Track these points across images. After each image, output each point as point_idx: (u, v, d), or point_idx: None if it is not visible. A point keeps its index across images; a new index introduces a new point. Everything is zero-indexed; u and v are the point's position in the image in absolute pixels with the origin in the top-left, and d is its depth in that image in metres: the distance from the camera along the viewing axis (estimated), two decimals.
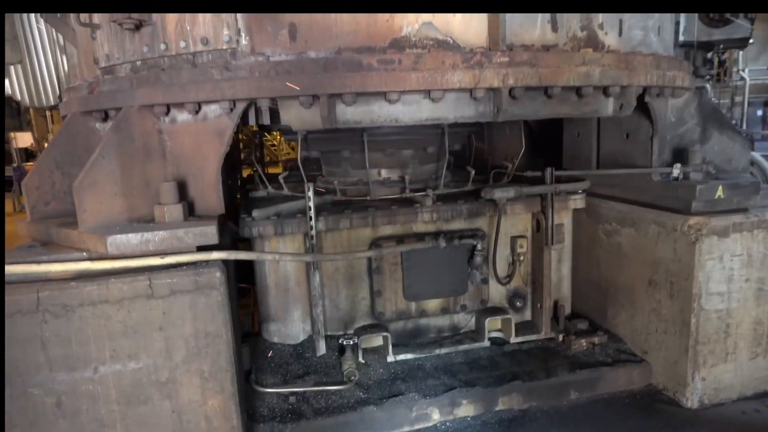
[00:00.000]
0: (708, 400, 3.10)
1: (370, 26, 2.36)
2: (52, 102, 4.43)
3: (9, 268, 2.31)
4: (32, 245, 2.69)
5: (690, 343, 3.03)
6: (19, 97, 4.65)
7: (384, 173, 3.84)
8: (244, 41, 2.50)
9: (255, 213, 3.25)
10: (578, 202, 3.73)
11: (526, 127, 4.50)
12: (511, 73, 2.33)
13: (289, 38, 2.38)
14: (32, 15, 3.91)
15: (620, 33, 2.72)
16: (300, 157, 3.48)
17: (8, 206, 12.49)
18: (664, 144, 3.29)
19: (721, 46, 12.82)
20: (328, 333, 3.43)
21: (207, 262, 2.45)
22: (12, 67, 4.60)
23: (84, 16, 3.06)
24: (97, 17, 2.99)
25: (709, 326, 3.02)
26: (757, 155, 4.99)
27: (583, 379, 3.24)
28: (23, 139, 22.72)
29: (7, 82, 4.68)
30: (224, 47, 2.54)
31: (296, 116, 2.44)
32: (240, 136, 5.54)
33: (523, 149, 3.82)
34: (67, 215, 2.90)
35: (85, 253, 2.48)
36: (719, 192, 2.97)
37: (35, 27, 4.32)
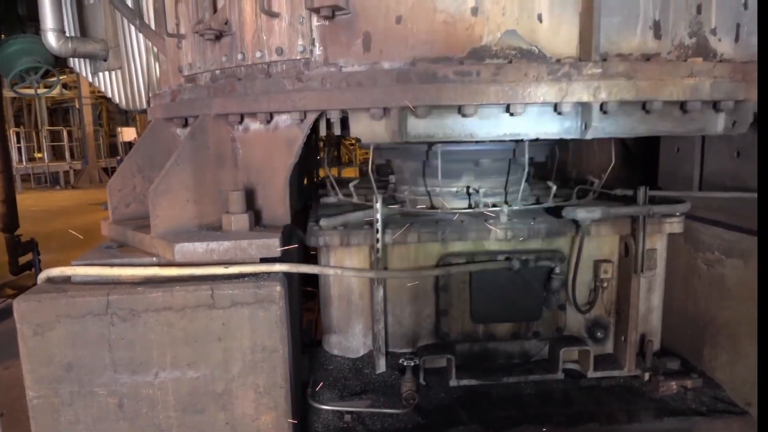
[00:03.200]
0: None
1: (448, 35, 2.21)
2: (144, 106, 4.67)
3: (85, 270, 2.40)
4: (109, 246, 2.80)
5: None
6: (117, 101, 4.95)
7: (457, 185, 3.65)
8: (317, 51, 2.44)
9: (322, 222, 3.19)
10: (675, 226, 3.33)
11: (618, 139, 4.14)
12: (603, 86, 2.07)
13: (362, 48, 2.28)
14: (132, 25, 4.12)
15: (737, 39, 2.36)
16: (372, 165, 3.38)
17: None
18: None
19: None
20: (390, 350, 3.31)
21: (269, 274, 2.41)
22: (113, 73, 4.90)
23: (171, 27, 3.16)
24: (183, 28, 3.07)
25: None
26: None
27: (672, 428, 2.87)
28: (128, 134, 24.84)
29: (108, 85, 5.01)
30: (298, 57, 2.49)
31: (366, 128, 2.34)
32: (318, 136, 5.57)
33: (612, 163, 3.49)
34: (145, 218, 2.99)
35: (154, 258, 2.54)
36: None
37: (134, 35, 4.57)
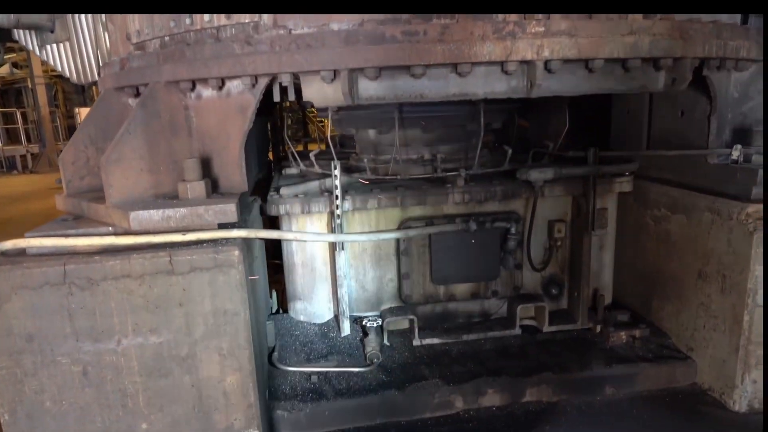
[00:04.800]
0: (759, 404, 2.85)
1: None
2: (96, 78, 4.52)
3: (39, 241, 2.38)
4: (65, 218, 2.76)
5: (741, 342, 2.78)
6: (67, 74, 4.77)
7: (416, 152, 3.71)
8: (266, 14, 2.42)
9: (282, 190, 3.21)
10: (624, 185, 3.47)
11: (573, 105, 4.24)
12: (546, 45, 2.13)
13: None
14: None
15: None
16: (329, 134, 3.40)
17: None
18: (724, 123, 2.98)
19: None
20: (354, 314, 3.39)
21: (227, 240, 2.43)
22: (62, 45, 4.71)
23: None
24: None
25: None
26: None
27: (620, 374, 3.05)
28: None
29: (57, 58, 4.80)
30: (247, 20, 2.47)
31: (318, 92, 2.35)
32: (284, 114, 5.52)
33: (566, 128, 3.59)
34: (100, 190, 2.94)
35: (110, 228, 2.52)
36: None
37: None
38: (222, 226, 2.47)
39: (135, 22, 3.01)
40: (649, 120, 3.46)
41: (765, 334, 2.74)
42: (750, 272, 2.69)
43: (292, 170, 4.00)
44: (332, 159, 3.32)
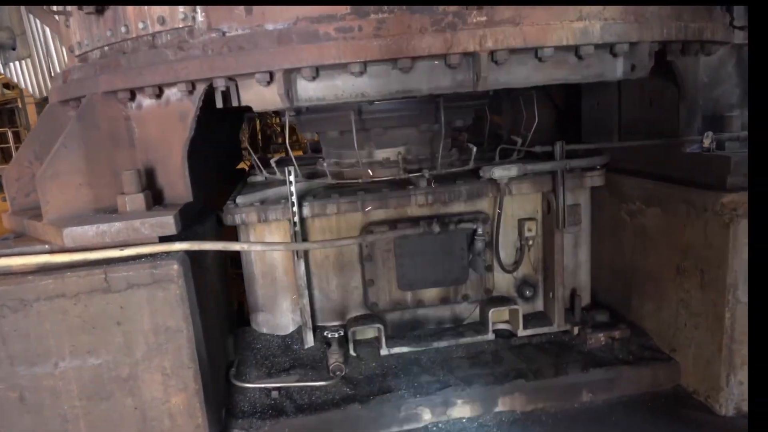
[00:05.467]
0: (746, 407, 2.70)
1: None
2: None
3: None
4: (6, 237, 2.64)
5: (724, 341, 2.64)
6: (30, 90, 4.69)
7: (381, 153, 3.58)
8: (200, 18, 2.30)
9: (239, 199, 3.08)
10: (596, 179, 3.33)
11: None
12: (489, 35, 2.00)
13: (245, 11, 2.15)
14: None
15: None
16: (287, 137, 3.28)
17: None
18: (695, 110, 2.85)
19: None
20: (319, 324, 3.26)
21: (168, 253, 2.30)
22: (24, 62, 4.63)
23: (58, 5, 2.96)
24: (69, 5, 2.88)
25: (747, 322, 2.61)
26: None
27: (599, 378, 2.90)
28: None
29: (20, 75, 4.73)
30: (181, 25, 2.35)
31: (256, 96, 2.23)
32: (247, 120, 5.39)
33: (535, 122, 3.46)
34: None
35: (47, 246, 2.40)
36: None
37: (38, 20, 4.30)
38: (165, 239, 2.35)
39: (76, 33, 2.90)
40: (618, 110, 3.33)
41: (750, 332, 2.59)
42: (728, 266, 2.55)
43: (257, 178, 3.87)
44: (303, 164, 3.21)
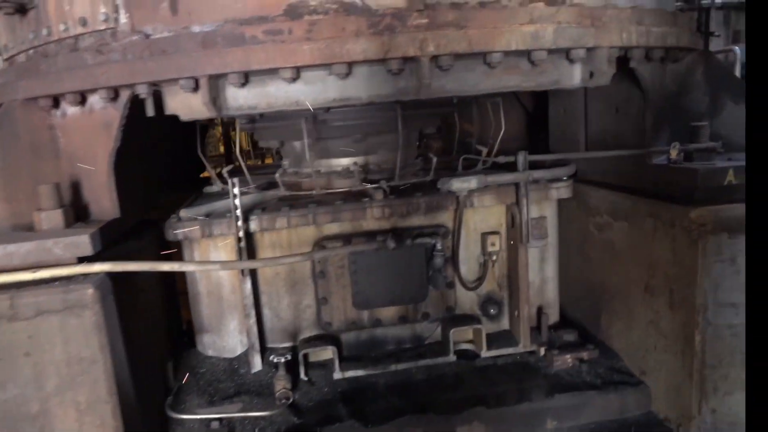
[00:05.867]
0: None
1: None
2: None
3: None
4: None
5: (695, 366, 2.47)
6: None
7: (339, 163, 3.40)
8: (123, 19, 2.10)
9: (182, 212, 2.88)
10: (562, 190, 3.18)
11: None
12: (431, 38, 1.82)
13: (170, 11, 1.96)
14: None
15: None
16: (237, 146, 3.08)
17: None
18: (662, 119, 2.70)
19: None
20: (270, 345, 3.06)
21: (85, 276, 2.09)
22: None
23: None
24: None
25: (720, 345, 2.44)
26: None
27: (564, 404, 2.72)
28: None
29: None
30: (103, 27, 2.15)
31: (183, 103, 2.04)
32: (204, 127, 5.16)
33: (502, 131, 3.31)
34: None
35: None
36: (729, 176, 2.37)
37: None
38: (86, 260, 2.14)
39: (2, 36, 2.69)
40: (585, 119, 3.18)
41: (747, 349, 2.43)
42: (697, 286, 2.39)
43: (213, 188, 3.66)
44: (266, 173, 3.02)
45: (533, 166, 3.10)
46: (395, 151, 3.38)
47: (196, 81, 1.94)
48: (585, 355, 3.01)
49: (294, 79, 1.92)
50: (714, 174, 2.34)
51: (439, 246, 2.96)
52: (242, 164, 3.11)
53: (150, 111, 2.18)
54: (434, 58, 1.88)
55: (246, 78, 1.93)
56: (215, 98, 1.96)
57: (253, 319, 2.84)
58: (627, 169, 2.85)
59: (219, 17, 1.93)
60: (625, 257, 2.89)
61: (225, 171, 3.21)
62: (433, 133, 3.78)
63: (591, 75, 2.14)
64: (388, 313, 3.12)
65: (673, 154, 2.51)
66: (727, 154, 2.61)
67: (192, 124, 3.18)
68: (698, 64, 2.67)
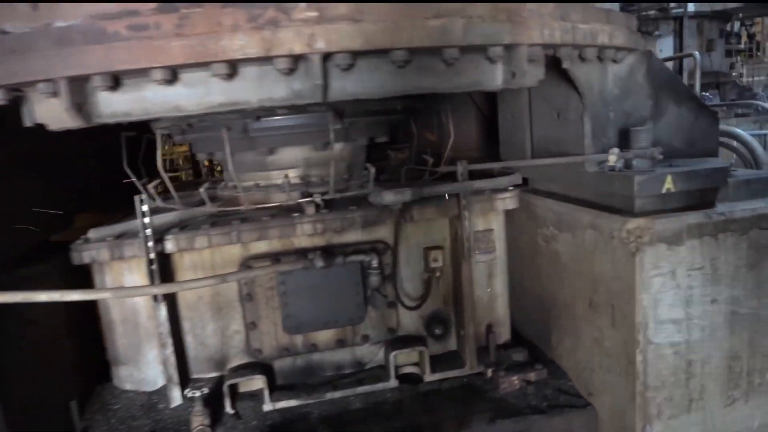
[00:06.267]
0: None
1: None
2: None
3: None
4: None
5: (637, 388, 2.28)
6: None
7: (276, 175, 3.17)
8: None
9: (91, 233, 2.63)
10: (508, 201, 2.99)
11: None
12: (320, 34, 1.63)
13: (30, 5, 1.74)
14: None
15: None
16: (160, 160, 2.85)
17: None
18: (605, 123, 2.54)
19: (740, 15, 11.67)
20: (195, 375, 2.81)
21: None
22: None
23: None
24: None
25: (663, 365, 2.26)
26: (741, 131, 3.99)
27: (506, 431, 2.52)
28: None
29: None
30: None
31: (49, 111, 1.81)
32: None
33: (451, 139, 3.13)
34: None
35: None
36: (668, 184, 2.20)
37: None
38: None
39: None
40: (530, 124, 3.01)
41: None
42: (637, 302, 2.20)
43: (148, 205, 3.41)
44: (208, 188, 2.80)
45: (480, 175, 2.92)
46: (341, 160, 3.20)
47: (56, 84, 1.71)
48: (533, 376, 2.80)
49: (170, 81, 1.71)
50: (651, 182, 2.17)
51: (374, 263, 2.75)
52: (165, 178, 2.88)
53: (26, 121, 1.95)
54: (329, 56, 1.69)
55: (116, 81, 1.72)
56: (81, 104, 1.74)
57: (170, 349, 2.60)
58: (569, 178, 2.68)
59: (84, 12, 1.71)
60: (571, 271, 2.70)
61: (151, 186, 2.98)
62: (399, 142, 3.59)
63: (513, 75, 1.95)
64: (325, 336, 2.89)
65: (612, 160, 2.33)
66: (669, 159, 2.45)
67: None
68: (640, 64, 2.51)
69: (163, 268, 2.59)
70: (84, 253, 2.56)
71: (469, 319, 2.90)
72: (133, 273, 2.68)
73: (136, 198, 2.47)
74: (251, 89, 1.77)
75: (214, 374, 2.83)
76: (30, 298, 1.92)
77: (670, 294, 2.20)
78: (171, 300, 2.65)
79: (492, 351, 2.97)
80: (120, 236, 2.65)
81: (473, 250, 2.98)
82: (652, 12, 10.29)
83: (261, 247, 2.78)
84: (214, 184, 3.46)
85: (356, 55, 1.71)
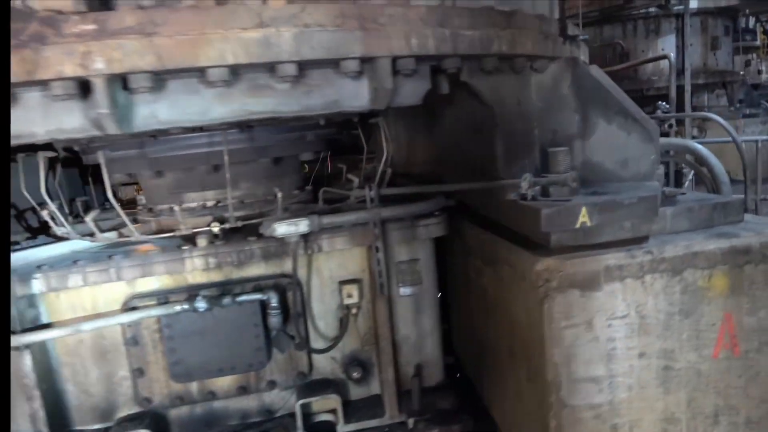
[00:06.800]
0: None
1: None
2: None
3: None
4: None
5: None
6: None
7: (200, 198, 2.91)
8: None
9: None
10: (432, 229, 2.65)
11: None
12: (99, 51, 1.33)
13: None
14: None
15: None
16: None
17: None
18: (525, 142, 2.19)
19: (747, 11, 11.06)
20: (78, 428, 2.53)
21: None
22: None
23: None
24: None
25: (582, 431, 1.90)
26: (699, 146, 3.43)
27: None
28: None
29: None
30: None
31: None
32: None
33: (384, 156, 2.83)
34: None
35: None
36: (583, 217, 1.84)
37: None
38: None
39: None
40: (460, 143, 2.68)
41: None
42: (547, 358, 1.85)
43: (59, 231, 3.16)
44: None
45: (394, 200, 2.60)
46: (263, 182, 2.92)
47: None
48: (456, 428, 2.46)
49: None
50: (561, 215, 1.81)
51: (273, 302, 2.44)
52: (50, 205, 2.61)
53: None
54: (110, 78, 1.38)
55: None
56: None
57: (38, 402, 2.32)
58: (493, 204, 2.33)
59: None
60: (495, 311, 2.36)
61: (46, 213, 2.72)
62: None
63: (377, 93, 1.63)
64: (224, 383, 2.59)
65: (524, 187, 1.98)
66: (597, 184, 2.09)
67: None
68: (564, 75, 2.15)
69: (37, 311, 2.33)
70: None
71: (387, 362, 2.57)
72: None
73: None
74: (36, 119, 1.48)
75: (99, 426, 2.54)
76: None
77: (586, 348, 1.84)
78: (41, 346, 2.38)
79: (416, 397, 2.63)
80: None
81: (396, 282, 2.67)
82: (652, 9, 9.76)
83: (149, 284, 2.49)
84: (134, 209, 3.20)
85: (159, 75, 1.41)
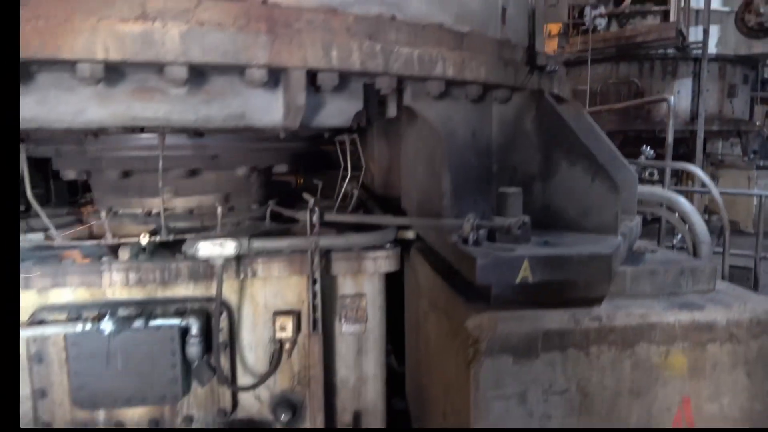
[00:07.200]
0: None
1: None
2: None
3: None
4: None
5: None
6: None
7: (140, 205, 2.74)
8: None
9: None
10: (381, 263, 2.42)
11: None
12: None
13: None
14: None
15: None
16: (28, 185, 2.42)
17: None
18: (480, 178, 1.96)
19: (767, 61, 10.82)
20: None
21: None
22: None
23: None
24: None
25: None
26: (680, 198, 3.09)
27: None
28: None
29: None
30: None
31: None
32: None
33: (348, 175, 2.66)
34: None
35: None
36: (524, 272, 1.60)
37: None
38: None
39: None
40: (416, 171, 2.45)
41: None
42: None
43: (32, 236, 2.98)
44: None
45: (352, 228, 2.39)
46: (214, 193, 2.74)
47: None
48: None
49: None
50: (499, 267, 1.57)
51: (194, 330, 2.21)
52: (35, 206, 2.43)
53: None
54: None
55: None
56: None
57: None
58: (440, 243, 2.09)
59: None
60: (434, 361, 2.10)
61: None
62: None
63: (290, 110, 1.41)
64: (134, 414, 2.35)
65: (466, 229, 1.74)
66: (552, 233, 1.85)
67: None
68: (527, 108, 1.93)
69: None
70: None
71: (318, 407, 2.33)
72: None
73: None
74: None
75: None
76: None
77: (518, 424, 1.58)
78: None
79: None
80: None
81: (338, 318, 2.44)
82: (670, 51, 9.56)
83: (62, 295, 2.28)
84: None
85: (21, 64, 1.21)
